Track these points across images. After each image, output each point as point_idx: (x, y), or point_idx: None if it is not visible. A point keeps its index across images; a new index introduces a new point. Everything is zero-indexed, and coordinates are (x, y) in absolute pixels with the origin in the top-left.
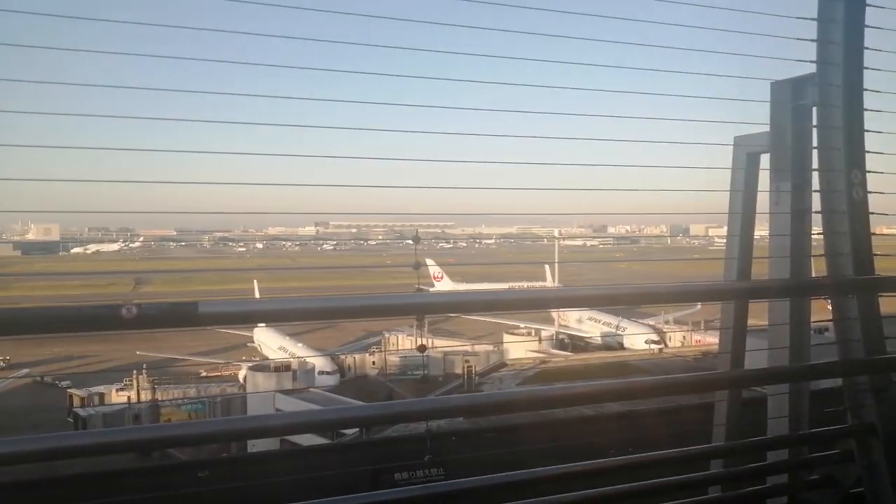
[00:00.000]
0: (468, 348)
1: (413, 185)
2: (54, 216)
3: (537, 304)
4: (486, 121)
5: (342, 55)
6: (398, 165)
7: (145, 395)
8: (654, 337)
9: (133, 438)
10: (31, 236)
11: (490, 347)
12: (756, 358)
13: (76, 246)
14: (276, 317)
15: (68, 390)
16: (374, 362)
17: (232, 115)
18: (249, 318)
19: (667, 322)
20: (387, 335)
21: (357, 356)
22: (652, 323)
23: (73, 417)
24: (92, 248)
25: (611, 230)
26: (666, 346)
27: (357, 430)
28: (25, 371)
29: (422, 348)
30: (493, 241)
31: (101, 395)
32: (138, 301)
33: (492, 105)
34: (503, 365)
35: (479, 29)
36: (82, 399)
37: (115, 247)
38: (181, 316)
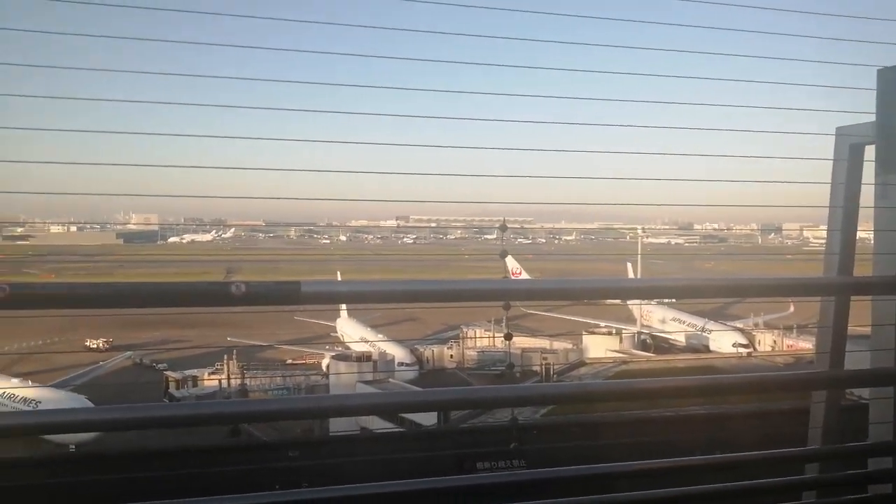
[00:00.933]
0: (546, 345)
1: (495, 174)
2: (154, 206)
3: (625, 294)
4: (569, 110)
5: (425, 44)
6: (479, 157)
7: (235, 380)
8: (743, 340)
9: (224, 412)
10: (132, 225)
11: (569, 345)
12: (853, 364)
13: (173, 235)
14: (370, 298)
15: (165, 372)
16: (451, 355)
17: (317, 105)
18: (347, 298)
19: (756, 325)
20: (465, 329)
21: (436, 349)
22: (740, 326)
23: (168, 398)
24: (187, 237)
25: (697, 227)
26: (755, 349)
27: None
28: (128, 354)
29: (508, 336)
30: (573, 237)
31: (195, 378)
32: (245, 280)
33: (575, 93)
34: (582, 363)
35: (555, 15)
36: (177, 381)
37: (208, 237)
38: (285, 294)
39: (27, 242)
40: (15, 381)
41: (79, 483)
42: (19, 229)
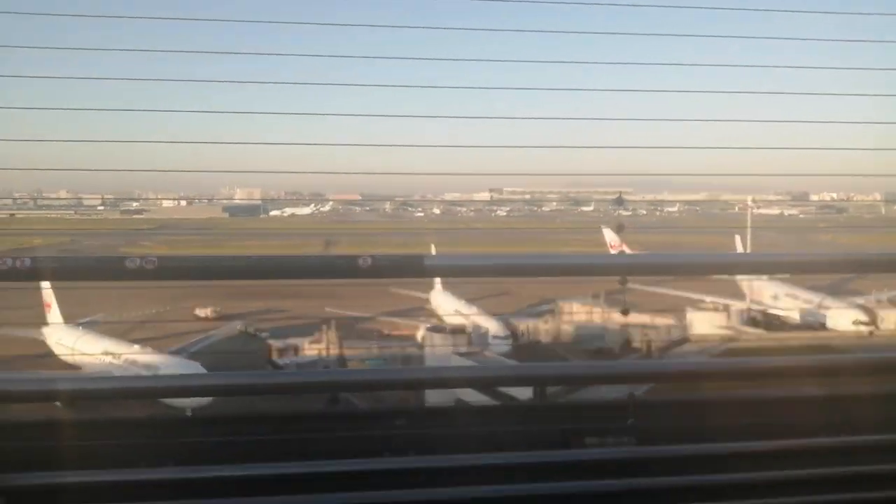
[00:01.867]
0: (647, 321)
1: (591, 146)
2: (257, 181)
3: (733, 269)
4: (670, 76)
5: (516, 15)
6: (573, 128)
7: (333, 349)
8: (864, 317)
9: (325, 380)
10: (237, 200)
11: (672, 321)
12: None
13: (274, 209)
14: (489, 271)
15: (268, 341)
16: (547, 330)
17: (412, 81)
18: (468, 272)
19: (879, 301)
20: (560, 303)
21: (531, 323)
22: (861, 302)
23: (271, 366)
24: (288, 211)
25: (814, 198)
26: (877, 327)
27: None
28: (238, 323)
29: (625, 312)
30: (675, 208)
31: (296, 347)
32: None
33: (679, 59)
34: (686, 340)
35: None
36: (279, 350)
37: (307, 210)
38: (409, 267)
39: (142, 216)
40: (136, 347)
41: (195, 443)
42: (135, 203)
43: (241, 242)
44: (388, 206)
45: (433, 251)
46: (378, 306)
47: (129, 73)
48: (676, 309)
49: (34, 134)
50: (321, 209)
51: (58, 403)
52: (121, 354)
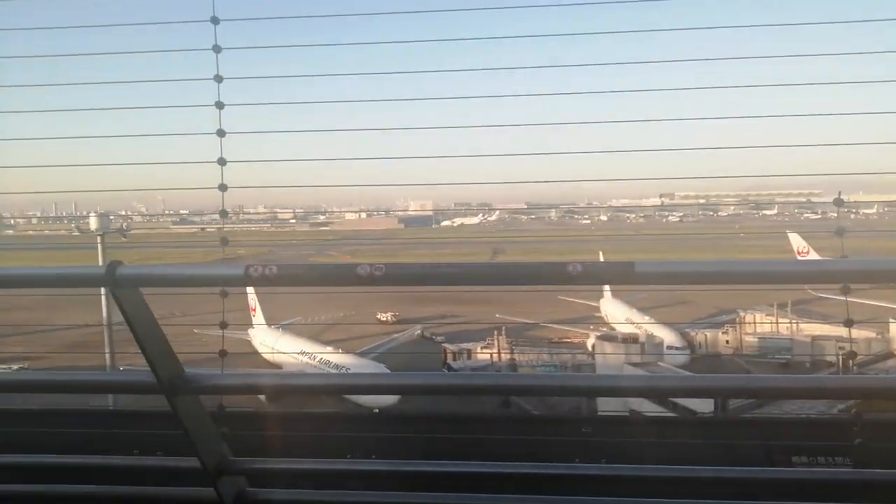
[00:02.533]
0: (843, 332)
1: (772, 145)
2: (428, 193)
3: None
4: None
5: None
6: (747, 127)
7: (505, 355)
8: None
9: (499, 383)
10: (410, 211)
11: (872, 334)
12: None
13: (445, 219)
14: (704, 279)
15: (443, 345)
16: (728, 341)
17: (575, 87)
18: (681, 279)
19: None
20: (742, 313)
21: (709, 333)
22: None
23: (446, 369)
24: (458, 221)
25: None
26: None
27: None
28: (418, 328)
29: (849, 323)
30: (873, 210)
31: (469, 352)
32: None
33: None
34: (890, 355)
35: None
36: (454, 353)
37: (475, 220)
38: (619, 274)
39: (328, 228)
40: (329, 348)
41: (381, 439)
42: (322, 217)
43: (414, 251)
44: (553, 213)
45: (601, 258)
46: (547, 313)
47: (320, 96)
48: (878, 319)
49: (252, 155)
50: (488, 218)
51: (262, 397)
52: (315, 354)
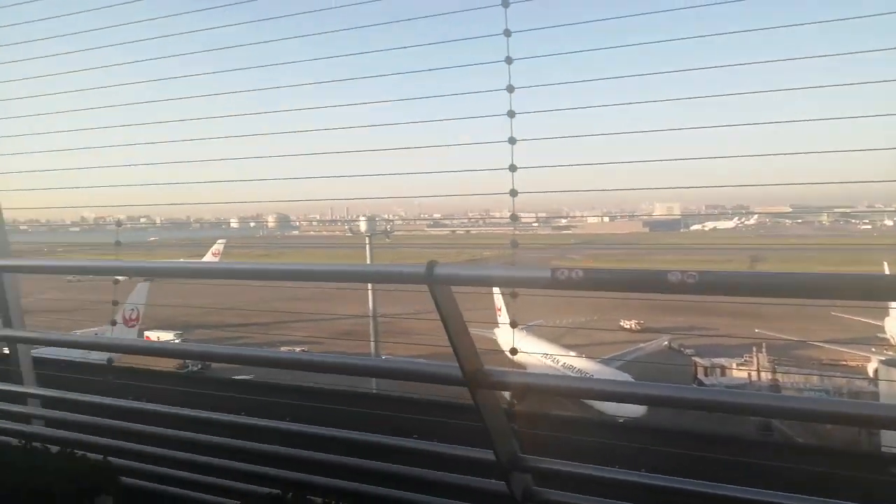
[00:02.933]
0: None
1: None
2: (676, 195)
3: None
4: None
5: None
6: None
7: (765, 374)
8: None
9: (758, 403)
10: (656, 215)
11: None
12: None
13: (694, 223)
14: None
15: (693, 358)
16: None
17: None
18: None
19: None
20: None
21: None
22: None
23: (696, 384)
24: (709, 225)
25: None
26: None
27: None
28: (665, 338)
29: None
30: None
31: (722, 368)
32: None
33: None
34: None
35: None
36: (705, 368)
37: (730, 224)
38: None
39: (569, 232)
40: (571, 352)
41: (628, 449)
42: (563, 220)
43: (661, 257)
44: (825, 217)
45: (886, 268)
46: (817, 331)
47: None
48: None
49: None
50: (746, 222)
51: (506, 394)
52: (558, 357)
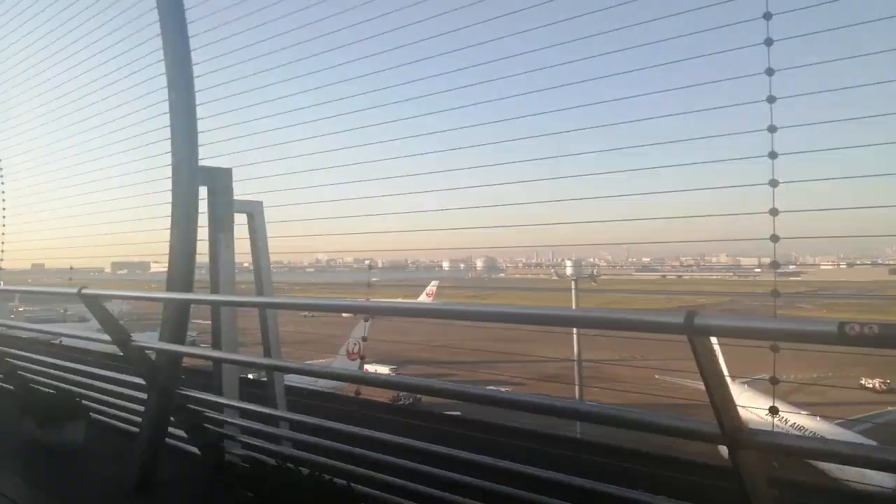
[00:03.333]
0: None
1: None
2: None
3: None
4: None
5: None
6: None
7: None
8: None
9: None
10: None
11: None
12: None
13: None
14: None
15: None
16: None
17: None
18: None
19: None
20: None
21: None
22: None
23: None
24: None
25: None
26: None
27: None
28: None
29: None
30: None
31: None
32: None
33: None
34: None
35: None
36: None
37: None
38: None
39: (798, 278)
40: (803, 411)
41: None
42: (791, 266)
43: None
44: None
45: None
46: None
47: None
48: None
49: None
50: None
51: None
52: (786, 417)
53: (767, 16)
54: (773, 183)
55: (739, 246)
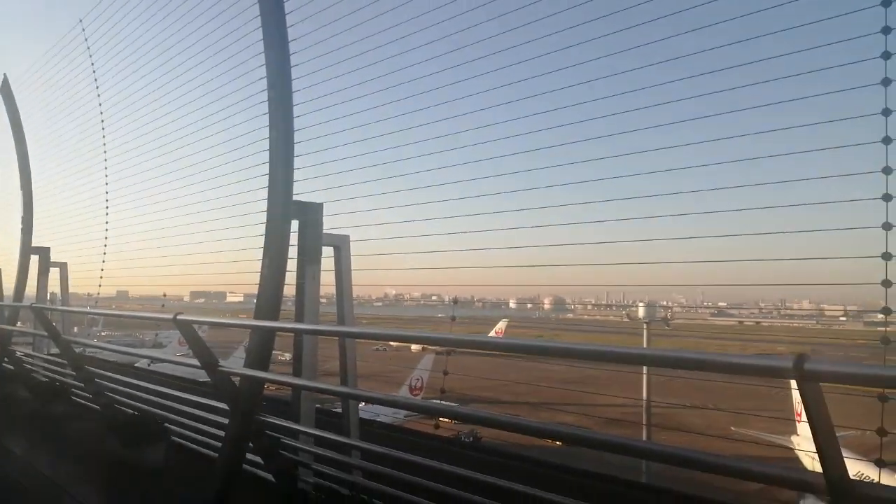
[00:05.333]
0: None
1: None
2: None
3: None
4: None
5: None
6: None
7: None
8: None
9: None
10: None
11: None
12: None
13: None
14: None
15: None
16: None
17: None
18: None
19: None
20: None
21: None
22: None
23: None
24: None
25: None
26: None
27: None
28: None
29: None
30: None
31: None
32: None
33: None
34: None
35: None
36: None
37: None
38: None
39: (892, 329)
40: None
41: None
42: (879, 316)
43: None
44: None
45: None
46: None
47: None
48: None
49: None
50: None
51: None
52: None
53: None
54: (887, 226)
55: (823, 292)
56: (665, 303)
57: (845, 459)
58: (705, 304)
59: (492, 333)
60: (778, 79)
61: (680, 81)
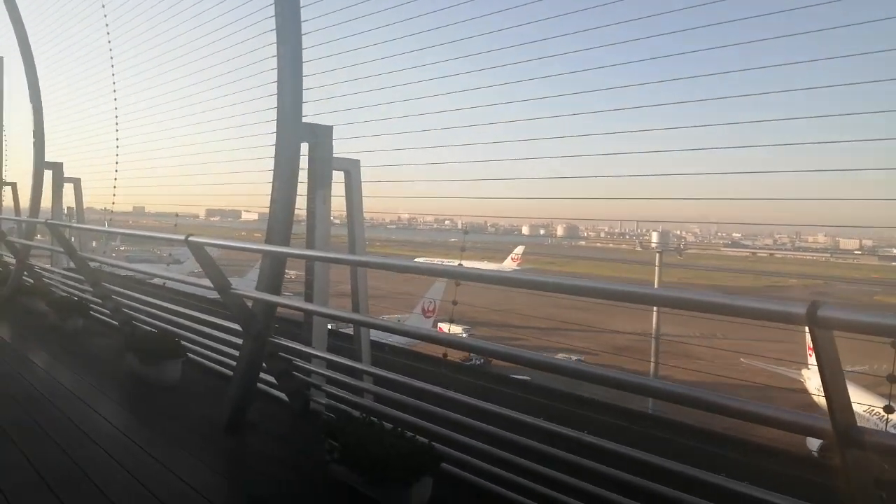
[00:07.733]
0: None
1: None
2: None
3: None
4: None
5: None
6: None
7: None
8: None
9: None
10: None
11: None
12: None
13: None
14: None
15: None
16: None
17: None
18: None
19: None
20: None
21: None
22: None
23: None
24: None
25: None
26: None
27: None
28: None
29: None
30: None
31: None
32: None
33: None
34: None
35: None
36: None
37: None
38: None
39: None
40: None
41: None
42: (894, 250)
43: None
44: None
45: None
46: None
47: None
48: None
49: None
50: None
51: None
52: (881, 413)
53: None
54: None
55: (843, 227)
56: (679, 233)
57: (854, 396)
58: (719, 234)
59: (508, 258)
60: (800, 8)
61: (700, 8)
